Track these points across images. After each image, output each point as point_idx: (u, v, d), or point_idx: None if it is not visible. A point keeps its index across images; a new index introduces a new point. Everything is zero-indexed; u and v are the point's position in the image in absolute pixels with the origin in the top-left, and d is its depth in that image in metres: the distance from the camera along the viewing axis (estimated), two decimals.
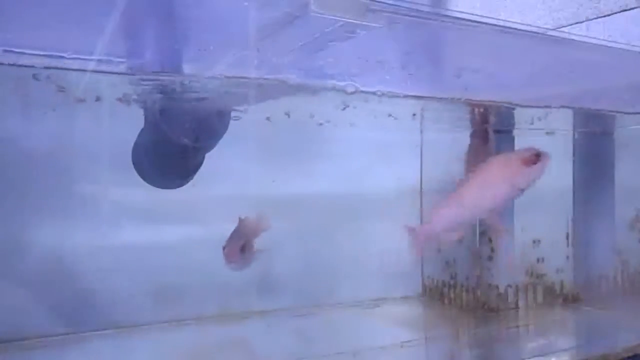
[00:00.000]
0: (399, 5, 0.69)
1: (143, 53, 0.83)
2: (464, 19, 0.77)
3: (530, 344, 1.26)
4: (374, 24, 0.69)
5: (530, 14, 1.53)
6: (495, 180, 1.02)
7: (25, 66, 0.78)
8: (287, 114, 1.29)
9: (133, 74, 0.87)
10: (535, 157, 0.99)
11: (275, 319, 1.32)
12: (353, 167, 1.46)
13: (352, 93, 1.00)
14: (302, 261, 1.38)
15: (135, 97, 1.03)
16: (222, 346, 1.18)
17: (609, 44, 0.99)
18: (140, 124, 1.11)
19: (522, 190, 1.01)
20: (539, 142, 1.37)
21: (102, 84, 0.95)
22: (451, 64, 1.05)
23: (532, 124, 1.40)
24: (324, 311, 1.39)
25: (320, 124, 1.38)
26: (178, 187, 1.17)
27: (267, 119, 1.28)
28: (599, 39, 1.09)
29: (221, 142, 1.12)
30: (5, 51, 0.74)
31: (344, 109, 1.22)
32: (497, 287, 1.42)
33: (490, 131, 1.26)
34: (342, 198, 1.44)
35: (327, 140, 1.43)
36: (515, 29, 0.82)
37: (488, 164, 1.05)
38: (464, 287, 1.45)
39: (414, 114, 1.30)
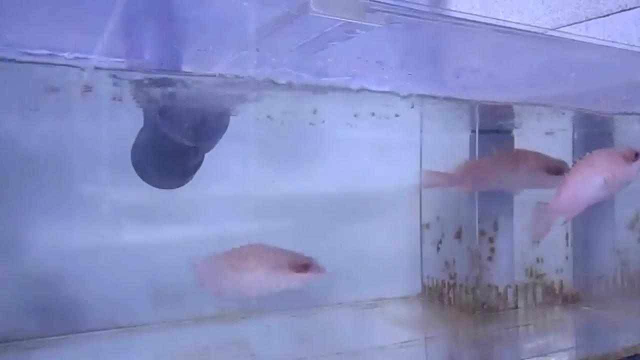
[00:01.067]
0: (398, 5, 0.69)
1: (142, 53, 0.83)
2: (463, 19, 0.77)
3: (530, 344, 1.26)
4: (373, 24, 0.69)
5: (530, 14, 1.53)
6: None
7: (24, 63, 0.78)
8: (287, 114, 1.29)
9: (132, 74, 0.87)
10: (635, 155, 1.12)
11: (275, 319, 1.32)
12: (353, 167, 1.46)
13: (355, 92, 1.00)
14: None
15: (134, 96, 1.03)
16: (221, 346, 1.18)
17: (609, 44, 0.99)
18: (140, 123, 1.11)
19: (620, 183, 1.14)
20: (539, 142, 1.38)
21: (102, 84, 0.95)
22: (450, 64, 1.05)
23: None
24: (323, 311, 1.39)
25: (317, 124, 1.38)
26: (178, 187, 1.17)
27: (268, 117, 1.28)
28: (598, 39, 1.09)
29: (221, 141, 1.13)
30: (5, 50, 0.74)
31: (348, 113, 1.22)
32: (496, 287, 1.42)
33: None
34: (342, 198, 1.44)
35: (327, 140, 1.43)
36: (515, 29, 0.82)
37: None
38: (463, 287, 1.45)
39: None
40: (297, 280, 1.04)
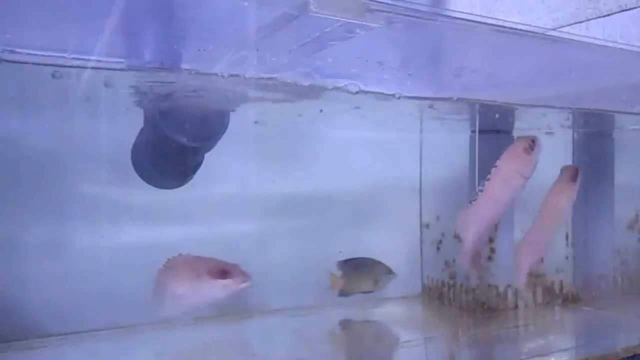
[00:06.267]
0: (398, 5, 0.69)
1: (142, 53, 0.83)
2: (463, 19, 0.77)
3: (530, 344, 1.27)
4: (373, 24, 0.69)
5: (530, 14, 1.53)
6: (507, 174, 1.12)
7: (24, 63, 0.78)
8: (286, 114, 1.29)
9: (132, 74, 0.87)
10: (532, 143, 1.12)
11: (275, 319, 1.32)
12: (353, 167, 1.46)
13: (355, 93, 1.00)
14: (301, 260, 1.38)
15: (134, 97, 1.03)
16: (221, 346, 1.18)
17: (609, 44, 0.99)
18: (140, 123, 1.11)
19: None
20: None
21: (101, 84, 0.95)
22: (451, 64, 1.05)
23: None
24: (323, 311, 1.39)
25: (318, 124, 1.38)
26: (178, 187, 1.17)
27: (268, 116, 1.28)
28: (598, 39, 1.09)
29: (220, 141, 1.13)
30: (5, 51, 0.74)
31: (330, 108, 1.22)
32: (496, 287, 1.42)
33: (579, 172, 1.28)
34: (342, 198, 1.44)
35: (327, 140, 1.43)
36: (515, 29, 0.82)
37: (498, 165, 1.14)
38: (463, 287, 1.45)
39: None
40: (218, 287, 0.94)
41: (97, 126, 1.13)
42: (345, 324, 1.37)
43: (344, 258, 1.31)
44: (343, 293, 1.30)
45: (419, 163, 1.56)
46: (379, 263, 1.34)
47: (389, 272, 1.34)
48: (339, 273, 1.29)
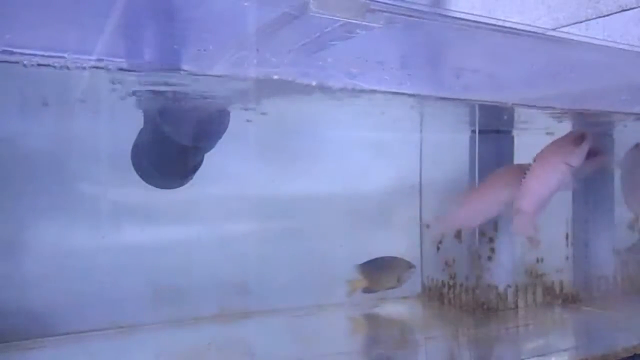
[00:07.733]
0: (398, 5, 0.69)
1: (142, 53, 0.83)
2: (463, 19, 0.77)
3: (530, 344, 1.27)
4: (373, 24, 0.69)
5: (530, 14, 1.53)
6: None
7: (24, 65, 0.78)
8: (286, 114, 1.29)
9: (132, 74, 0.87)
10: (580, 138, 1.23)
11: (275, 319, 1.32)
12: (353, 167, 1.46)
13: (351, 92, 1.00)
14: (301, 261, 1.38)
15: (134, 97, 1.03)
16: (221, 346, 1.18)
17: (609, 44, 0.99)
18: (140, 123, 1.11)
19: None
20: (539, 142, 1.38)
21: (102, 84, 0.95)
22: (450, 64, 1.05)
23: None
24: (323, 311, 1.39)
25: (317, 123, 1.38)
26: (178, 187, 1.17)
27: (268, 116, 1.28)
28: (598, 39, 1.09)
29: (221, 141, 1.13)
30: (5, 51, 0.74)
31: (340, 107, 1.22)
32: (496, 287, 1.42)
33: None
34: (342, 198, 1.44)
35: (327, 140, 1.43)
36: (515, 29, 0.82)
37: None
38: (463, 287, 1.45)
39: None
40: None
41: (97, 126, 1.13)
42: (345, 324, 1.37)
43: (362, 261, 1.35)
44: (367, 290, 1.34)
45: (419, 163, 1.56)
46: (398, 259, 1.36)
47: (410, 266, 1.36)
48: (359, 277, 1.32)
